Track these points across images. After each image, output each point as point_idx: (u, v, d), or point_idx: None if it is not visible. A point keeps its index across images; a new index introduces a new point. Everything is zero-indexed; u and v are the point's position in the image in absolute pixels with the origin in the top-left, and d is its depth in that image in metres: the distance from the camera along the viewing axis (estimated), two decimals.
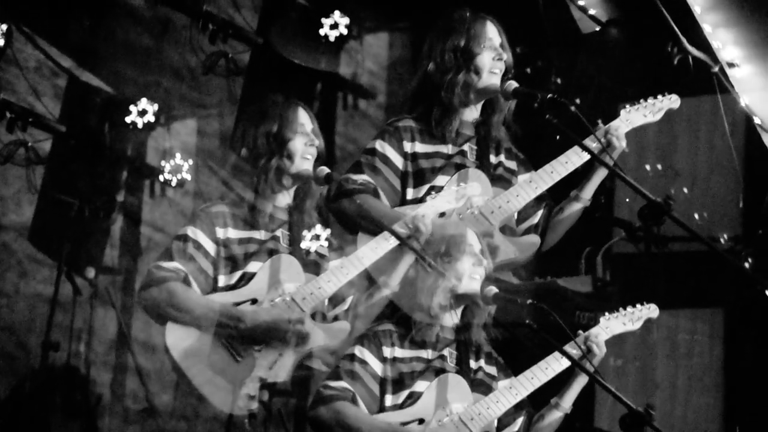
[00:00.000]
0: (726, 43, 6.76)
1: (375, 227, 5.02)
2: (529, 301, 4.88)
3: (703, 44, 6.88)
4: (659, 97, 5.30)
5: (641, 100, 5.30)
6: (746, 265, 6.59)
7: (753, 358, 6.95)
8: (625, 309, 5.20)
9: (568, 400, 5.07)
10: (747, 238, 7.01)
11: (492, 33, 5.28)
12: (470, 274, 4.97)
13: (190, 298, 4.92)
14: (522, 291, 5.67)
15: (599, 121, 5.19)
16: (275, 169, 5.10)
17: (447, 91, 5.22)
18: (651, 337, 5.46)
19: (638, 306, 5.22)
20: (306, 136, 5.14)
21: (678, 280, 6.60)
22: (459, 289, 4.96)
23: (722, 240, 6.91)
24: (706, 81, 6.92)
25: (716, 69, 6.91)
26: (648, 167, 7.40)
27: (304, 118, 5.18)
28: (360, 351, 4.91)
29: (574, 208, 5.30)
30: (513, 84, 5.23)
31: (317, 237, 5.10)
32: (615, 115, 5.31)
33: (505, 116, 5.33)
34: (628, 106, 5.28)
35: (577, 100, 4.97)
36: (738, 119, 7.19)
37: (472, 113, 5.32)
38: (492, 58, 5.25)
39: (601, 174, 5.24)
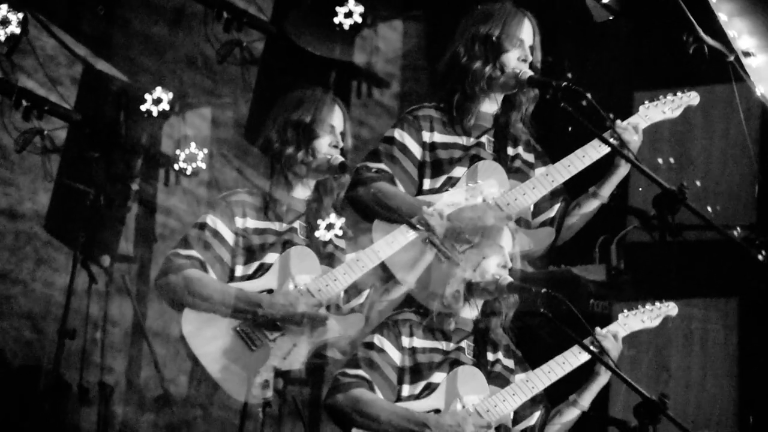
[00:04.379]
0: (741, 32, 6.73)
1: (392, 215, 5.03)
2: (543, 290, 4.89)
3: (719, 33, 6.86)
4: (678, 93, 5.30)
5: (660, 96, 5.29)
6: (761, 254, 6.57)
7: (767, 347, 6.94)
8: (644, 306, 5.21)
9: (587, 398, 5.09)
10: (762, 227, 6.99)
11: (526, 32, 5.27)
12: (494, 274, 4.98)
13: (207, 285, 4.95)
14: (536, 280, 5.66)
15: (611, 115, 5.18)
16: (299, 163, 5.12)
17: (471, 80, 5.23)
18: (665, 326, 5.46)
19: (657, 304, 5.24)
20: (333, 137, 5.17)
21: (692, 269, 6.58)
22: (474, 280, 4.97)
23: (737, 229, 6.90)
24: (721, 70, 6.90)
25: (732, 58, 6.88)
26: (662, 156, 7.39)
27: (337, 118, 5.20)
28: (379, 340, 4.93)
29: (592, 205, 5.31)
30: (528, 72, 5.24)
31: (331, 226, 5.12)
32: (629, 106, 5.31)
33: (524, 113, 5.33)
34: (647, 102, 5.28)
35: (588, 95, 4.96)
36: (753, 108, 7.16)
37: (491, 105, 5.32)
38: (518, 58, 5.24)
39: (621, 173, 5.24)
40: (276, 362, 4.90)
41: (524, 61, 5.24)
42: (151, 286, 7.51)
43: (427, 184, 5.21)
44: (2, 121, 7.14)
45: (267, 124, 5.26)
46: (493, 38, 5.23)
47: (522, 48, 5.25)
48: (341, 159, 5.14)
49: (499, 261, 5.01)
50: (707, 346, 7.27)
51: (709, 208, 7.00)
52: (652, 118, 5.29)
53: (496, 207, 5.08)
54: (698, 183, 7.28)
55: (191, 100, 7.90)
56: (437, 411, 4.90)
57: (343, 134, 5.21)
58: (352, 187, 5.19)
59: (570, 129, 5.55)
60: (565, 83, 5.03)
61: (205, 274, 4.98)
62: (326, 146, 5.15)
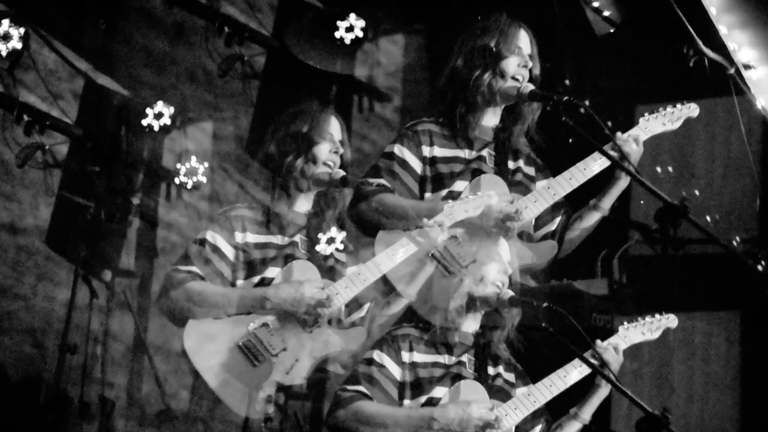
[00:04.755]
0: (742, 44, 6.74)
1: (399, 223, 5.02)
2: (545, 304, 4.88)
3: (719, 46, 6.86)
4: (678, 105, 5.31)
5: (660, 108, 5.30)
6: (762, 266, 6.57)
7: None
8: (644, 318, 5.21)
9: (588, 411, 5.08)
10: (763, 240, 6.98)
11: (523, 41, 5.30)
12: (493, 281, 4.97)
13: (211, 294, 4.96)
14: (538, 294, 5.66)
15: (609, 124, 5.19)
16: (299, 170, 5.13)
17: (472, 89, 5.24)
18: (667, 340, 5.45)
19: (657, 316, 5.23)
20: (332, 144, 5.19)
21: (694, 283, 6.58)
22: (476, 293, 4.96)
23: (738, 242, 6.89)
24: (722, 83, 6.90)
25: (732, 71, 6.89)
26: (664, 169, 7.39)
27: (334, 127, 5.23)
28: (378, 355, 4.92)
29: (593, 217, 5.31)
30: (529, 86, 5.24)
31: (332, 240, 5.11)
32: (629, 118, 5.31)
33: (529, 126, 5.34)
34: (647, 114, 5.29)
35: (587, 102, 4.97)
36: (754, 121, 7.17)
37: (492, 119, 5.33)
38: (517, 65, 5.26)
39: (621, 186, 5.25)
40: (278, 377, 4.89)
41: (524, 67, 5.26)
42: (152, 300, 7.51)
43: (428, 198, 5.20)
44: (4, 135, 7.15)
45: (267, 138, 5.28)
46: (492, 47, 5.25)
47: (521, 55, 5.27)
48: (342, 173, 5.15)
49: (498, 268, 5.00)
50: (710, 359, 7.27)
51: (709, 218, 6.99)
52: (653, 130, 5.29)
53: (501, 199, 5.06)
54: (697, 192, 7.28)
55: (192, 115, 7.90)
56: None
57: (342, 143, 5.22)
58: (354, 204, 5.20)
59: (571, 142, 5.54)
60: (566, 97, 5.03)
61: (206, 284, 4.98)
62: (326, 152, 5.17)
